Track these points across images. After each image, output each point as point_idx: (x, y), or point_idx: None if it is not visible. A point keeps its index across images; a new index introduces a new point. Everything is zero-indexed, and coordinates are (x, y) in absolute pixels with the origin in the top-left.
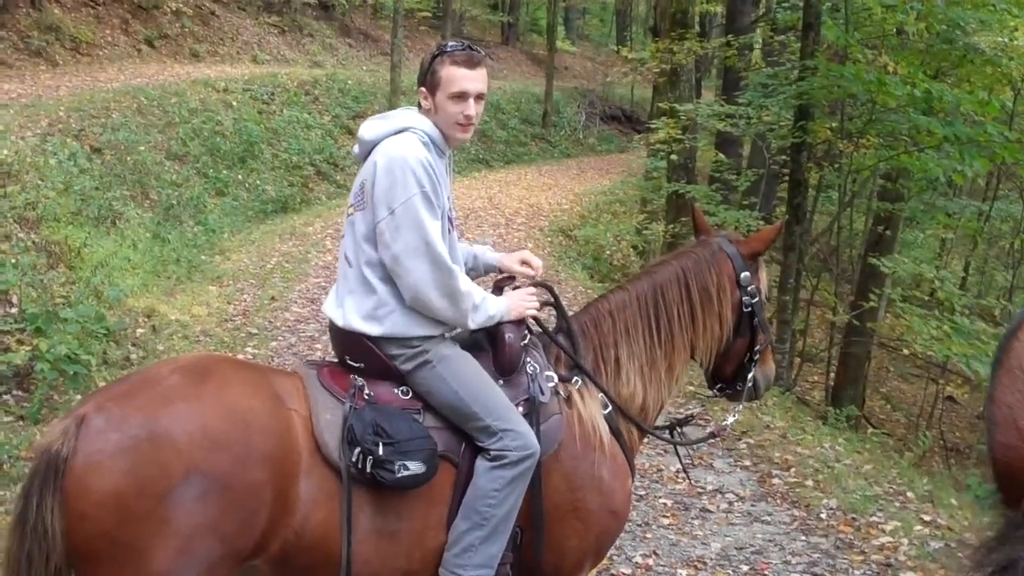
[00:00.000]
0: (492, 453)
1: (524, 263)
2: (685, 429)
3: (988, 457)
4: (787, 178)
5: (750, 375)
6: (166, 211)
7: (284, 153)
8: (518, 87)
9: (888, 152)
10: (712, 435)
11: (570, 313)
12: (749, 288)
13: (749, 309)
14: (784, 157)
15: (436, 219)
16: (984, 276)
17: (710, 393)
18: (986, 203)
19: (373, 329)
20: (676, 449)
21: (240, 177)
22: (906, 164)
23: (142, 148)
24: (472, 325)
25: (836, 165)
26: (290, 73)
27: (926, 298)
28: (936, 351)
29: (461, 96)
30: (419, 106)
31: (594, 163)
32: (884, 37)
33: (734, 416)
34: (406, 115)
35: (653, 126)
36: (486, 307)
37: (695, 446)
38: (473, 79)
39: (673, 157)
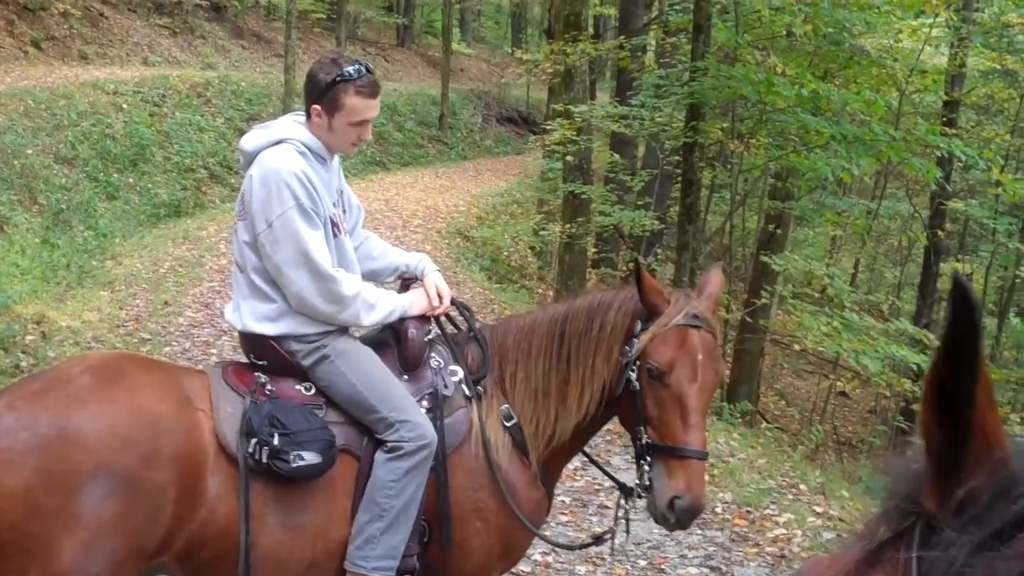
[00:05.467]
0: (389, 444)
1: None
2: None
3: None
4: (680, 178)
5: (643, 469)
6: (55, 216)
7: (176, 156)
8: (414, 89)
9: (778, 152)
10: (597, 540)
11: (489, 322)
12: (632, 340)
13: (626, 360)
14: (677, 157)
15: (315, 229)
16: (873, 273)
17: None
18: (874, 201)
19: (268, 329)
20: (615, 513)
21: (131, 181)
22: (795, 163)
23: (30, 152)
24: (368, 323)
25: (728, 165)
26: (182, 75)
27: (817, 295)
28: (827, 347)
29: (363, 123)
30: (307, 115)
31: (491, 165)
32: (773, 39)
33: (619, 523)
34: (285, 125)
35: (548, 127)
36: (384, 304)
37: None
38: (375, 107)
39: (569, 158)
